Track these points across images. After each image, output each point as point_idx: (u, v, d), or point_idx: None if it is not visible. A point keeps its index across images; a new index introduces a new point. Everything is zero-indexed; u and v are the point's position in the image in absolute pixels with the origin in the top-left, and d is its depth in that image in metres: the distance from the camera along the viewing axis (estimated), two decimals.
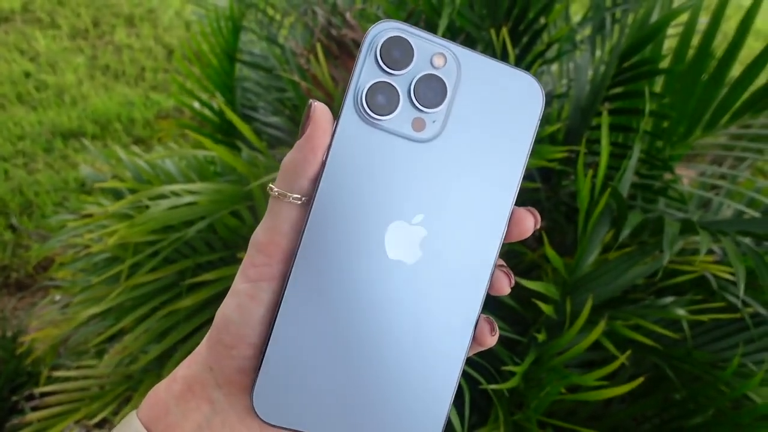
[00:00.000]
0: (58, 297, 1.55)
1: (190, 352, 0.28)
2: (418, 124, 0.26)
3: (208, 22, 1.16)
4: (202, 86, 1.20)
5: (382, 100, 0.25)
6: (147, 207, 0.90)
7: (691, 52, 0.73)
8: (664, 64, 0.80)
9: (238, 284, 0.26)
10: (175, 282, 0.90)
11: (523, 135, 0.27)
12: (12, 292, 1.63)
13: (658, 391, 0.81)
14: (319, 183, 0.25)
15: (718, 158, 1.52)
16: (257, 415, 0.25)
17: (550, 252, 0.61)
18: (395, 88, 0.26)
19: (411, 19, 0.78)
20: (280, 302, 0.25)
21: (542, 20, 0.81)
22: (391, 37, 0.25)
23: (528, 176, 0.82)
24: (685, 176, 1.20)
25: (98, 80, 2.20)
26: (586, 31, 1.09)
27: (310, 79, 0.89)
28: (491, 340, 0.27)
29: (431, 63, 0.26)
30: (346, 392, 0.26)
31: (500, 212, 0.27)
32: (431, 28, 0.82)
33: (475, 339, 0.27)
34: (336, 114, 0.26)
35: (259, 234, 0.26)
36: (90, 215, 0.93)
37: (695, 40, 0.73)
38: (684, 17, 0.75)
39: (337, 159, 0.25)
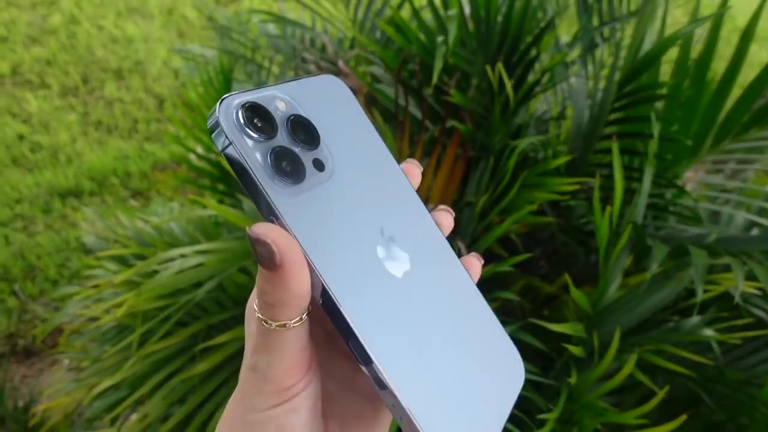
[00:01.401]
0: (66, 361, 1.52)
1: (211, 415, 0.26)
2: (318, 164, 0.25)
3: (198, 75, 1.16)
4: (195, 138, 1.19)
5: (289, 166, 0.24)
6: (154, 271, 0.89)
7: (692, 68, 0.73)
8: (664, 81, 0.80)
9: (269, 410, 0.24)
10: (189, 346, 0.88)
11: (363, 120, 0.29)
12: (20, 359, 1.60)
13: (696, 416, 0.79)
14: (320, 282, 0.24)
15: (718, 162, 1.51)
16: None
17: (575, 293, 0.60)
18: (287, 148, 0.25)
19: (405, 62, 0.77)
20: (384, 378, 0.24)
21: (532, 52, 0.81)
22: (243, 108, 0.24)
23: (539, 211, 0.81)
24: (690, 180, 1.19)
25: (92, 136, 2.21)
26: (576, 51, 1.10)
27: None
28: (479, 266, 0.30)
29: (279, 109, 0.25)
30: (454, 375, 0.27)
31: (409, 191, 0.29)
32: (425, 69, 0.81)
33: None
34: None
35: (272, 366, 0.24)
36: (97, 286, 0.91)
37: (694, 53, 0.72)
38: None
39: (309, 245, 0.24)
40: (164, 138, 2.17)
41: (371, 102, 0.87)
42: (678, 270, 0.72)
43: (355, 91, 0.97)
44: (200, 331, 0.88)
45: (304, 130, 0.25)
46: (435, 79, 0.69)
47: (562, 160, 0.69)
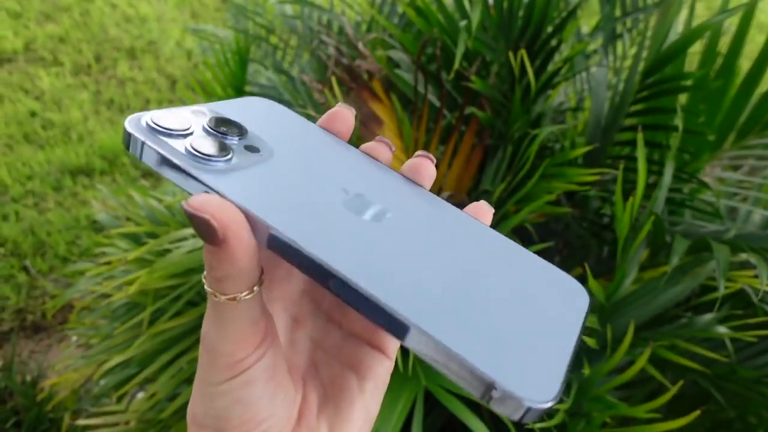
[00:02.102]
0: (75, 338, 1.54)
1: None
2: (252, 149, 0.26)
3: (214, 55, 1.16)
4: None
5: (212, 145, 0.24)
6: (166, 250, 0.89)
7: (718, 61, 0.71)
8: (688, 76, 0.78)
9: (221, 384, 0.23)
10: (198, 326, 0.88)
11: (298, 118, 0.29)
12: (29, 335, 1.61)
13: (705, 413, 0.78)
14: (277, 233, 0.22)
15: (735, 158, 1.49)
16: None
17: (593, 284, 0.59)
18: (206, 135, 0.25)
19: (424, 47, 0.76)
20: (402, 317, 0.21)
21: (553, 42, 0.80)
22: (151, 118, 0.24)
23: (555, 202, 0.80)
24: (706, 176, 1.18)
25: (103, 115, 2.21)
26: (598, 41, 1.08)
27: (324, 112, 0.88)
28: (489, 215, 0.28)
29: (197, 115, 0.26)
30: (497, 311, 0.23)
31: (375, 163, 0.28)
32: (446, 53, 0.80)
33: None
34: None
35: (222, 340, 0.23)
36: (108, 263, 0.92)
37: (722, 46, 0.71)
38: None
39: (258, 206, 0.23)
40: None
41: (388, 87, 0.86)
42: (694, 266, 0.71)
43: (372, 75, 0.96)
44: None
45: (226, 124, 0.26)
46: (457, 64, 0.68)
47: (581, 150, 0.68)
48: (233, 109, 0.28)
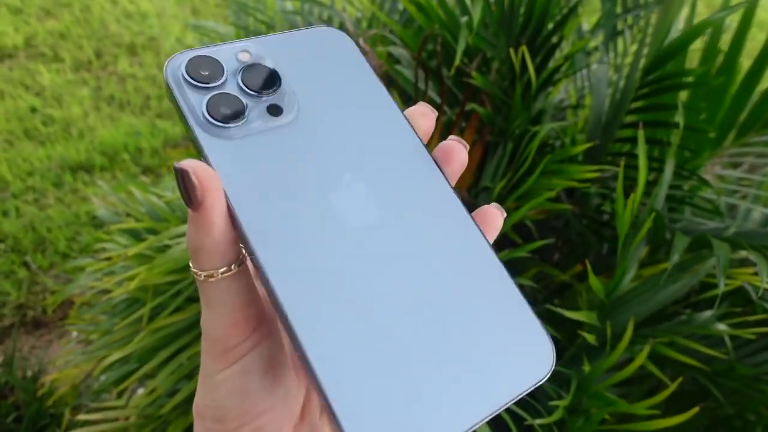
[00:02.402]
0: (75, 334, 1.54)
1: None
2: (274, 110, 0.25)
3: None
4: None
5: (227, 109, 0.24)
6: (166, 246, 0.89)
7: (719, 58, 0.71)
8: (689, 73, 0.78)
9: (218, 373, 0.23)
10: (198, 321, 0.88)
11: (364, 72, 0.27)
12: (29, 330, 1.61)
13: (704, 410, 0.78)
14: (242, 230, 0.22)
15: (735, 156, 1.49)
16: None
17: (593, 281, 0.59)
18: (230, 93, 0.24)
19: (425, 42, 0.76)
20: (297, 335, 0.21)
21: (554, 39, 0.80)
22: (189, 61, 0.24)
23: (556, 198, 0.80)
24: (706, 173, 1.18)
25: (104, 111, 2.20)
26: (599, 38, 1.08)
27: None
28: (499, 219, 0.26)
29: (239, 60, 0.25)
30: (433, 362, 0.21)
31: (408, 141, 0.26)
32: (447, 50, 0.80)
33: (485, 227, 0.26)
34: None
35: (213, 324, 0.23)
36: (109, 258, 0.92)
37: (723, 44, 0.71)
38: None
39: (238, 192, 0.22)
40: (176, 116, 2.16)
41: (389, 83, 0.86)
42: (694, 263, 0.72)
43: (373, 68, 0.96)
44: None
45: (259, 77, 0.25)
46: (458, 60, 0.68)
47: (582, 147, 0.68)
48: (289, 45, 0.26)
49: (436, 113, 0.28)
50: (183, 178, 0.21)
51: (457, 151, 0.26)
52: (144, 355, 0.89)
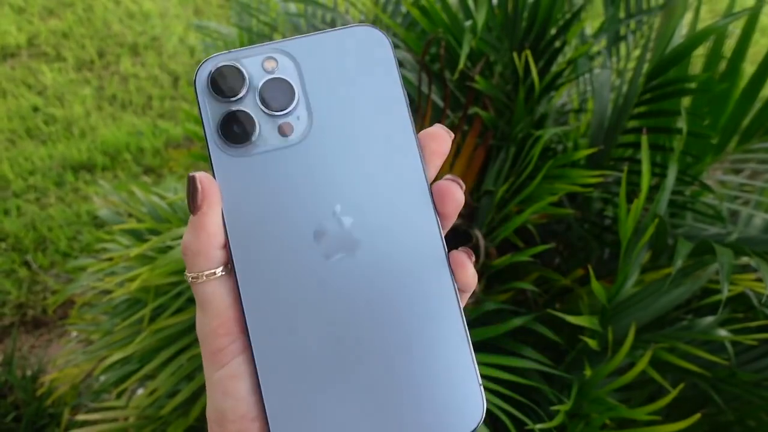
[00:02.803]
0: (75, 333, 1.54)
1: None
2: (286, 129, 0.25)
3: (217, 52, 1.16)
4: None
5: (238, 128, 0.25)
6: (168, 247, 0.89)
7: (722, 64, 0.71)
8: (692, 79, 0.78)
9: (213, 375, 0.25)
10: None
11: (391, 88, 0.26)
12: (30, 330, 1.61)
13: (705, 416, 0.78)
14: (228, 240, 0.25)
15: (737, 162, 1.49)
16: None
17: (596, 285, 0.59)
18: (244, 111, 0.25)
19: (428, 46, 0.76)
20: (254, 354, 0.24)
21: (557, 43, 0.80)
22: (215, 70, 0.25)
23: (558, 203, 0.80)
24: (707, 179, 1.18)
25: (106, 111, 2.21)
26: (602, 43, 1.08)
27: None
28: (471, 275, 0.26)
29: (264, 69, 0.26)
30: (363, 403, 0.24)
31: (412, 172, 0.26)
32: (450, 53, 0.80)
33: (459, 285, 0.26)
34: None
35: (204, 326, 0.25)
36: (110, 258, 0.92)
37: (726, 50, 0.71)
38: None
39: (233, 205, 0.25)
40: (178, 115, 2.17)
41: None
42: (696, 268, 0.72)
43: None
44: None
45: (277, 94, 0.25)
46: (461, 64, 0.68)
47: (584, 152, 0.68)
48: (321, 48, 0.26)
49: (452, 135, 0.28)
50: (190, 184, 0.24)
51: (452, 191, 0.26)
52: (145, 355, 0.89)
